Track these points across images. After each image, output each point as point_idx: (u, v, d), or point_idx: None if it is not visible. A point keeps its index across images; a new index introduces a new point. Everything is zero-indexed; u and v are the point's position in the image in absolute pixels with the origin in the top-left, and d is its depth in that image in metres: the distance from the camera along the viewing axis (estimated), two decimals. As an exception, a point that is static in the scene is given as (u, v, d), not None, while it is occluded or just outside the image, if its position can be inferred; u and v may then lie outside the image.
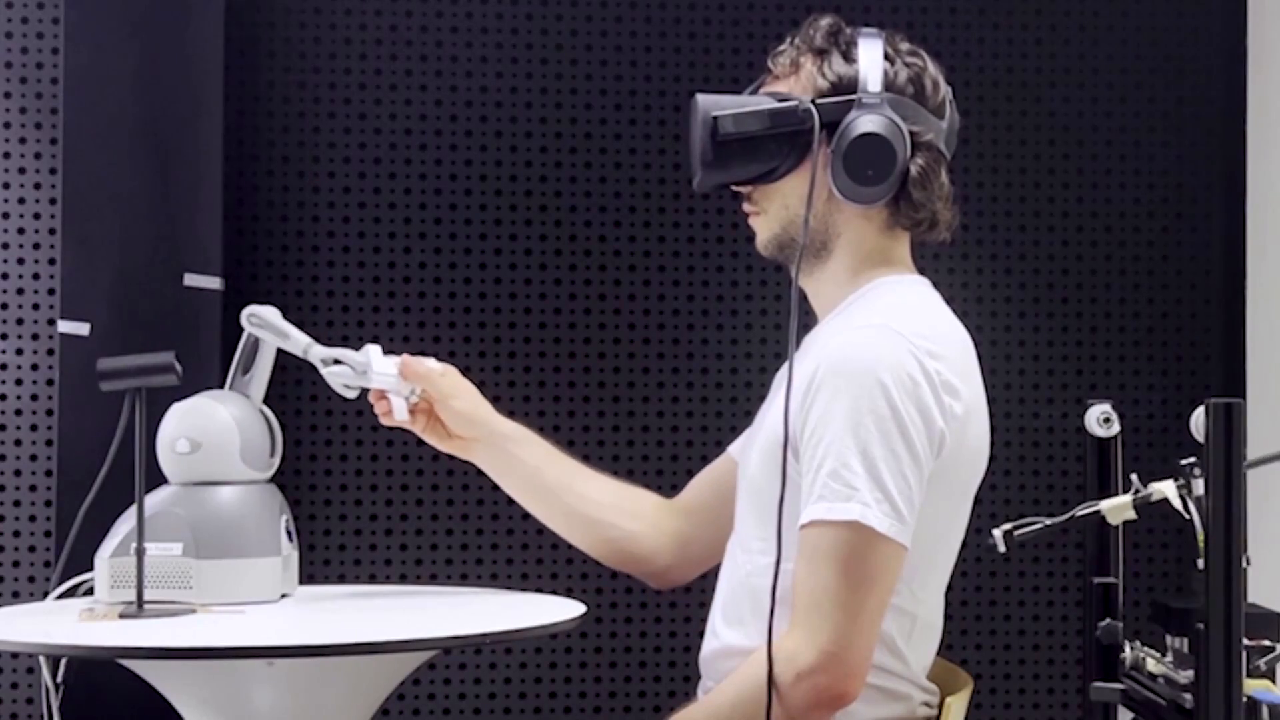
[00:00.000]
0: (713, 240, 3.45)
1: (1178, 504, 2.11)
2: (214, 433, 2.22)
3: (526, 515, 3.35)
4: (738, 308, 3.45)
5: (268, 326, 2.27)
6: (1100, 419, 2.30)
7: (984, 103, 3.49)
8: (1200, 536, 2.06)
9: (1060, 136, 3.52)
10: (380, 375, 2.20)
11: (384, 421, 2.23)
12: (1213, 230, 3.53)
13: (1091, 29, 3.53)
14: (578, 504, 2.25)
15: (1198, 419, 2.02)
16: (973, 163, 3.48)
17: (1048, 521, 2.16)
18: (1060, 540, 3.43)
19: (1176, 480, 2.12)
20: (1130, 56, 3.53)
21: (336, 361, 2.23)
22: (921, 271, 2.09)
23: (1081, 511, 2.17)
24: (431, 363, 2.24)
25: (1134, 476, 2.16)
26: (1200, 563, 2.05)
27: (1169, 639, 2.14)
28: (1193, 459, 2.14)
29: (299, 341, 2.26)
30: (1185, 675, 2.05)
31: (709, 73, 3.44)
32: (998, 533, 2.10)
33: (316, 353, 2.24)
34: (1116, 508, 2.15)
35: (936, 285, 2.07)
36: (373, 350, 2.23)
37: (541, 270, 3.42)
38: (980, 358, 2.01)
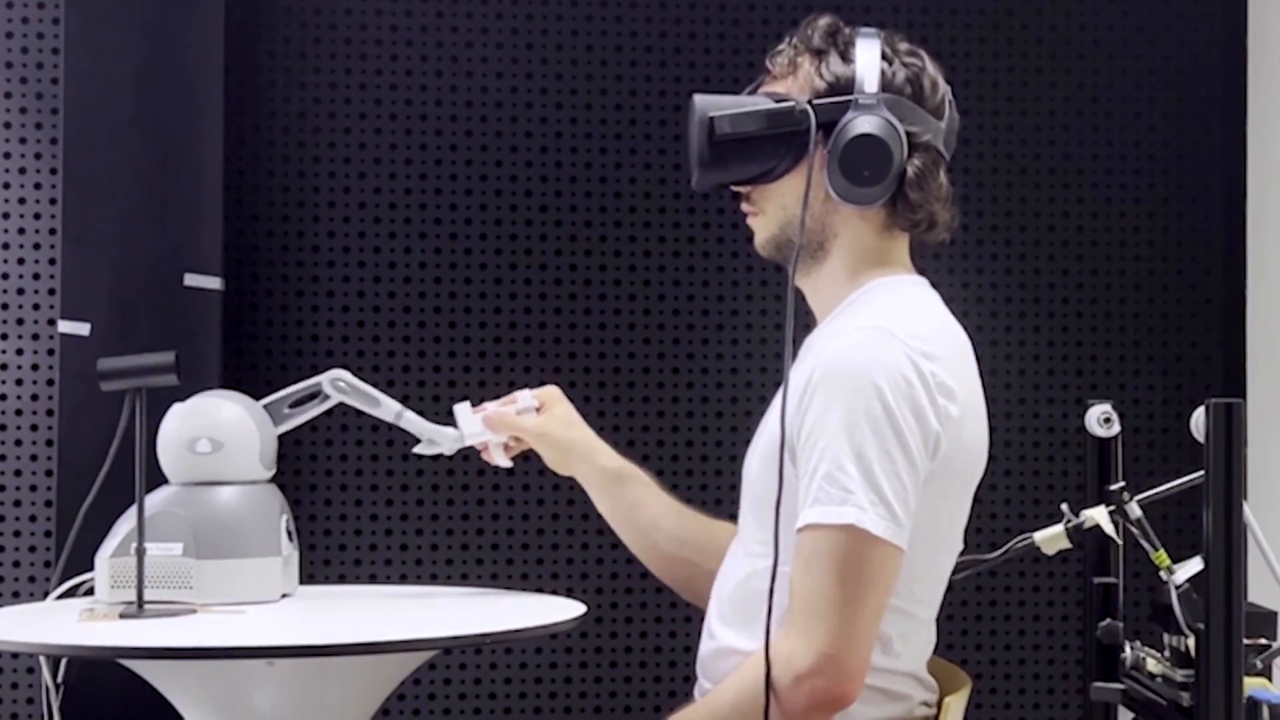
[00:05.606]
0: (713, 240, 3.45)
1: (1109, 529, 2.12)
2: (234, 433, 2.24)
3: (526, 515, 3.40)
4: (738, 308, 3.45)
5: (355, 393, 2.31)
6: (1100, 419, 2.30)
7: (984, 103, 3.49)
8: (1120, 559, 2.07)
9: (1060, 136, 3.52)
10: (471, 435, 2.28)
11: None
12: (1213, 230, 3.53)
13: (1091, 29, 3.53)
14: (663, 542, 2.26)
15: (1198, 419, 2.02)
16: (973, 163, 3.48)
17: (986, 558, 2.16)
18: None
19: (1108, 505, 2.13)
20: (1130, 56, 3.53)
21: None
22: (921, 272, 2.08)
23: (1017, 544, 2.17)
24: (525, 397, 2.29)
25: (1064, 506, 2.16)
26: (1164, 575, 2.06)
27: (1166, 637, 2.14)
28: (1122, 484, 2.15)
29: (390, 408, 2.31)
30: (1184, 674, 2.05)
31: (709, 73, 3.44)
32: None
33: (410, 420, 2.30)
34: (1051, 538, 2.15)
35: (936, 285, 2.06)
36: (459, 410, 2.29)
37: (541, 270, 3.42)
38: (980, 358, 2.01)
